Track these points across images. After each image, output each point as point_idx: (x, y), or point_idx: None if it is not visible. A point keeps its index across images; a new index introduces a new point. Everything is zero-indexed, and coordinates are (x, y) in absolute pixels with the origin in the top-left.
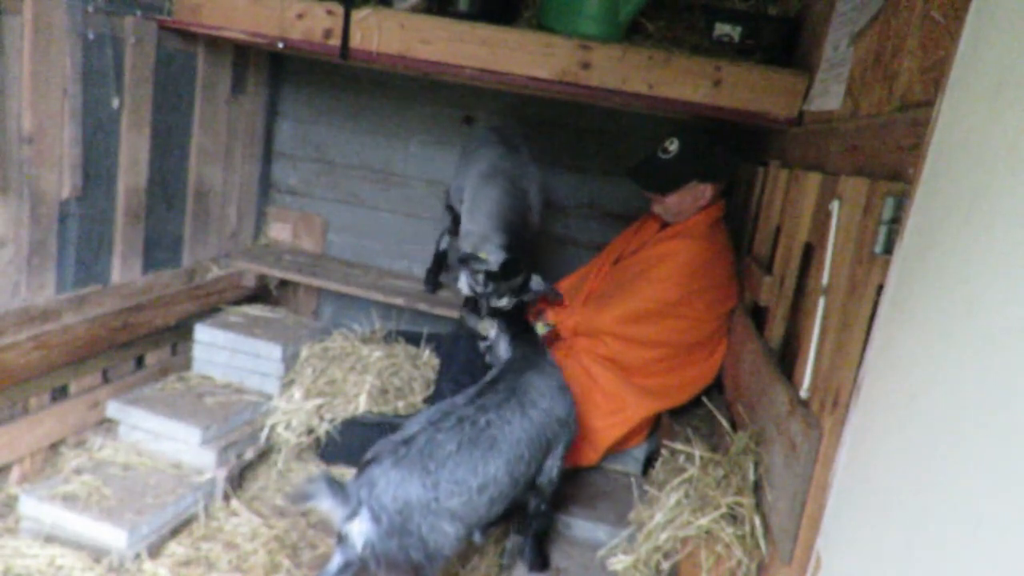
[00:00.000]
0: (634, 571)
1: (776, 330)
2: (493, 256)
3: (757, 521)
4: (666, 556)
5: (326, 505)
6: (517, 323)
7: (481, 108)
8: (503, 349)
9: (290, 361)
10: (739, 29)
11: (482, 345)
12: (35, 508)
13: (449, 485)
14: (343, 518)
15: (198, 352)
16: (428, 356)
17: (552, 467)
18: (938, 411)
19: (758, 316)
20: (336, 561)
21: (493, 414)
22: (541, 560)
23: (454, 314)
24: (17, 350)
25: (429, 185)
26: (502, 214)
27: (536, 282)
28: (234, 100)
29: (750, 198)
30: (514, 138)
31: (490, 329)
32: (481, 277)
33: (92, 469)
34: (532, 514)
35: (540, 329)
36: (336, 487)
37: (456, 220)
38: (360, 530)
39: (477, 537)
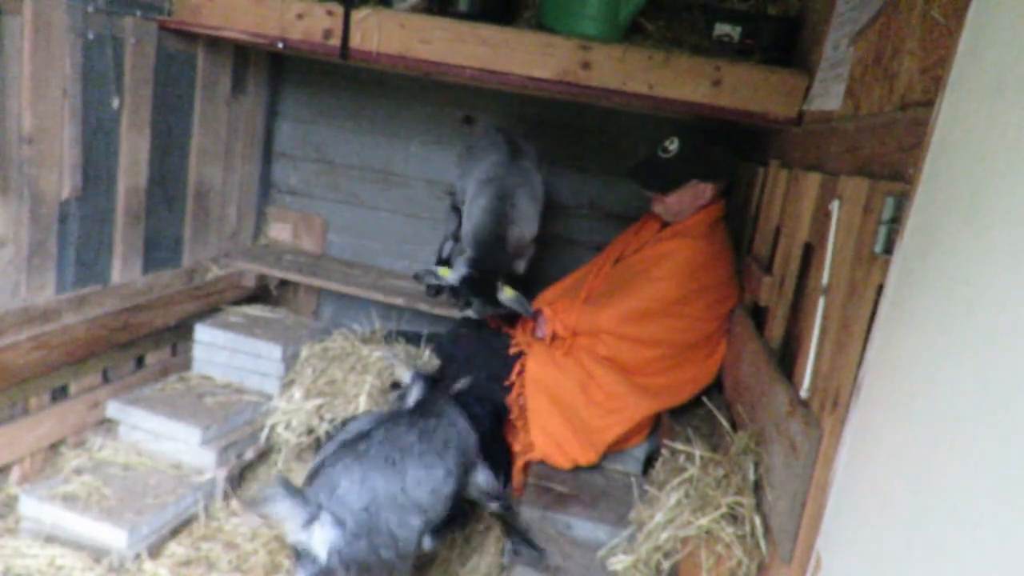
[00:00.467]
0: (634, 571)
1: (776, 330)
2: (456, 272)
3: (757, 521)
4: (666, 556)
5: (283, 509)
6: (433, 381)
7: (481, 108)
8: (413, 398)
9: (290, 361)
10: (739, 29)
11: (394, 394)
12: (35, 508)
13: (417, 472)
14: (300, 526)
15: (198, 352)
16: (428, 356)
17: (482, 479)
18: (938, 411)
19: (758, 316)
20: None
21: (434, 420)
22: (534, 549)
23: (454, 314)
24: (17, 350)
25: (429, 185)
26: (478, 229)
27: (509, 297)
28: (234, 100)
29: (750, 198)
30: (521, 142)
31: (405, 375)
32: (433, 291)
33: (92, 469)
34: (499, 515)
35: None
36: (294, 491)
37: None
38: (323, 538)
39: (427, 543)
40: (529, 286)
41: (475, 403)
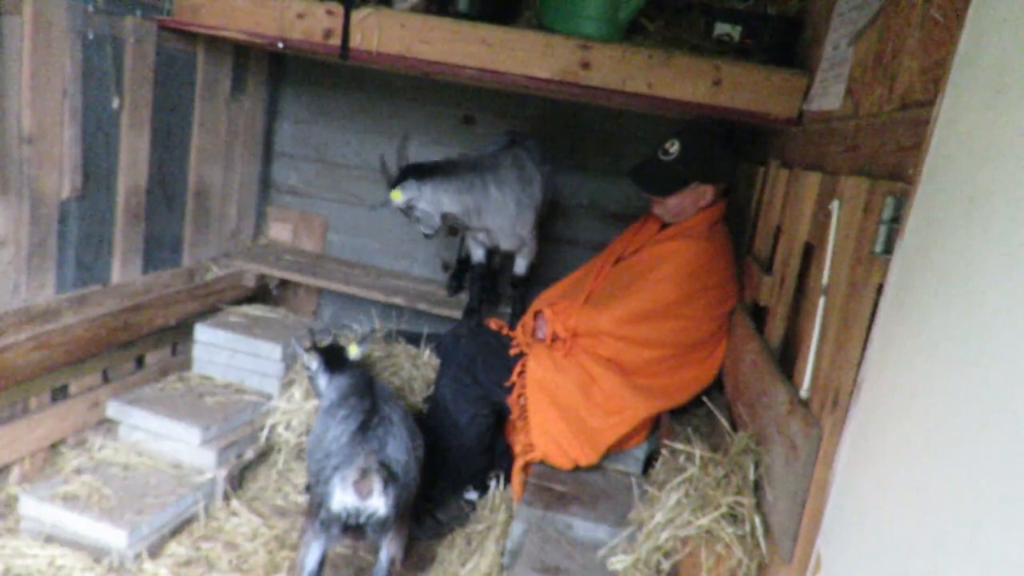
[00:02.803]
0: (634, 571)
1: (776, 330)
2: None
3: (757, 521)
4: (666, 556)
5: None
6: (336, 357)
7: (481, 108)
8: (323, 381)
9: (290, 361)
10: (739, 29)
11: (307, 373)
12: (35, 508)
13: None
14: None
15: (198, 352)
16: (428, 356)
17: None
18: (938, 410)
19: (758, 316)
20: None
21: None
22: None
23: (454, 314)
24: (17, 350)
25: None
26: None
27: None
28: (234, 100)
29: (750, 198)
30: (525, 140)
31: (311, 362)
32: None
33: (92, 469)
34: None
35: (353, 352)
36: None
37: None
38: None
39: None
40: (529, 286)
41: (476, 403)
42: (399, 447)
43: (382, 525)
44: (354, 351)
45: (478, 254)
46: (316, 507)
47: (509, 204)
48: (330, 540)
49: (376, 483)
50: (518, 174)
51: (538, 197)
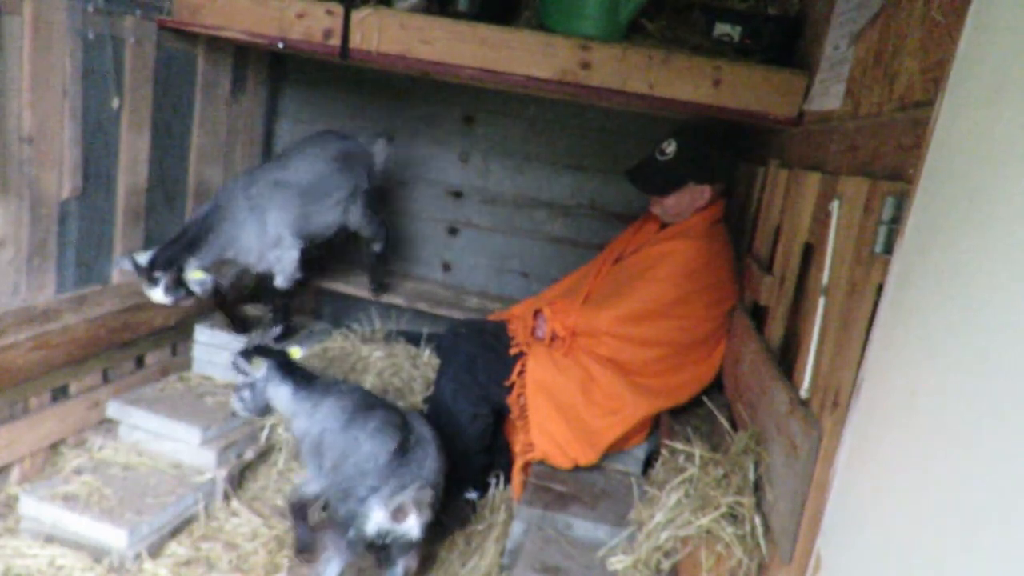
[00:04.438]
0: (634, 571)
1: (776, 330)
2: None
3: (757, 521)
4: (666, 556)
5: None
6: (289, 363)
7: (481, 108)
8: (283, 392)
9: None
10: (739, 29)
11: (242, 382)
12: (35, 508)
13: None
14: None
15: (198, 352)
16: (428, 356)
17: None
18: (938, 410)
19: (758, 316)
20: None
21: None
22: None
23: (454, 314)
24: (17, 350)
25: (429, 185)
26: None
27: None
28: (234, 100)
29: (750, 198)
30: (328, 134)
31: (257, 370)
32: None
33: (92, 469)
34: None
35: (295, 354)
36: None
37: None
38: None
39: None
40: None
41: (475, 403)
42: (436, 469)
43: (411, 546)
44: (296, 353)
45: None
46: (343, 525)
47: (263, 231)
48: (354, 557)
49: (415, 509)
50: (283, 180)
51: (316, 187)
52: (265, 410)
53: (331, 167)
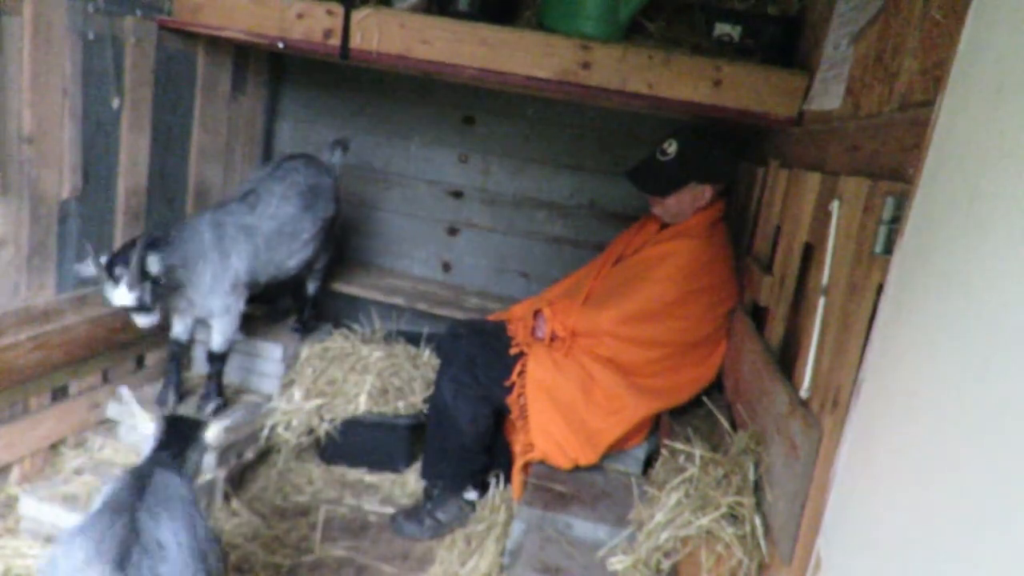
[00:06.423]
0: (634, 571)
1: (776, 330)
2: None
3: (757, 521)
4: (666, 556)
5: None
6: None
7: (481, 108)
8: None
9: (290, 361)
10: (739, 29)
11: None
12: (35, 508)
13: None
14: None
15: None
16: (428, 356)
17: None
18: (938, 410)
19: (758, 316)
20: None
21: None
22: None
23: (454, 314)
24: (17, 350)
25: (429, 185)
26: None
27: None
28: (234, 100)
29: (750, 198)
30: (295, 157)
31: (146, 426)
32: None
33: (92, 469)
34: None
35: (210, 433)
36: None
37: None
38: None
39: None
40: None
41: (475, 403)
42: None
43: None
44: (212, 432)
45: (177, 328)
46: None
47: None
48: None
49: None
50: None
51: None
52: None
53: (298, 206)
